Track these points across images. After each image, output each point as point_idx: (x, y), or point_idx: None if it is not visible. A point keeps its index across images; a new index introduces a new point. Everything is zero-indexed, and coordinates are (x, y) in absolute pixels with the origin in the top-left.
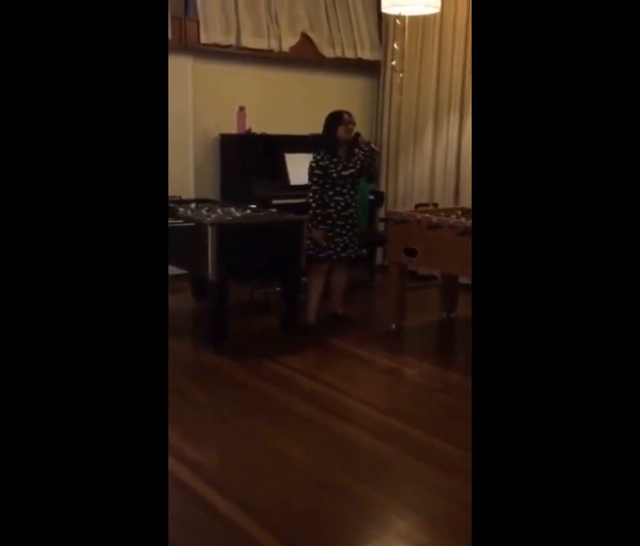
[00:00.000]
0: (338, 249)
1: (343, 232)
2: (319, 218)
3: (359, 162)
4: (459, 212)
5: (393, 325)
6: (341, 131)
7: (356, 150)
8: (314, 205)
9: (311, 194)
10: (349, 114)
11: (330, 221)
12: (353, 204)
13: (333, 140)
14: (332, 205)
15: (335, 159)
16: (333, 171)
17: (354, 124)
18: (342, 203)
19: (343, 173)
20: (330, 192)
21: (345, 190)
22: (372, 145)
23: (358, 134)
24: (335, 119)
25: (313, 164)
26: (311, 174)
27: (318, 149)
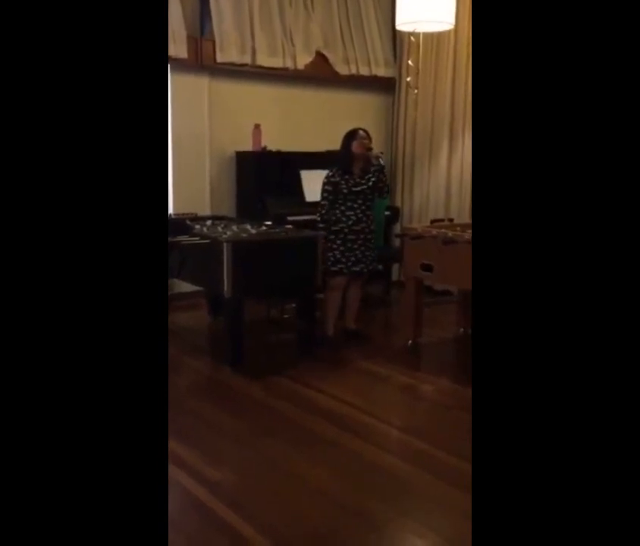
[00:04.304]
0: (349, 263)
1: (355, 247)
2: (324, 232)
3: (372, 179)
4: None
5: (410, 341)
6: (355, 146)
7: (372, 167)
8: (319, 219)
9: (319, 208)
10: (366, 131)
11: (342, 236)
12: (365, 219)
13: (348, 156)
14: (343, 219)
15: (347, 176)
16: (344, 186)
17: (369, 140)
18: (353, 218)
19: (354, 188)
20: (342, 208)
21: (356, 205)
22: (380, 159)
23: (369, 149)
24: (350, 135)
25: (325, 180)
26: (322, 190)
27: (332, 166)
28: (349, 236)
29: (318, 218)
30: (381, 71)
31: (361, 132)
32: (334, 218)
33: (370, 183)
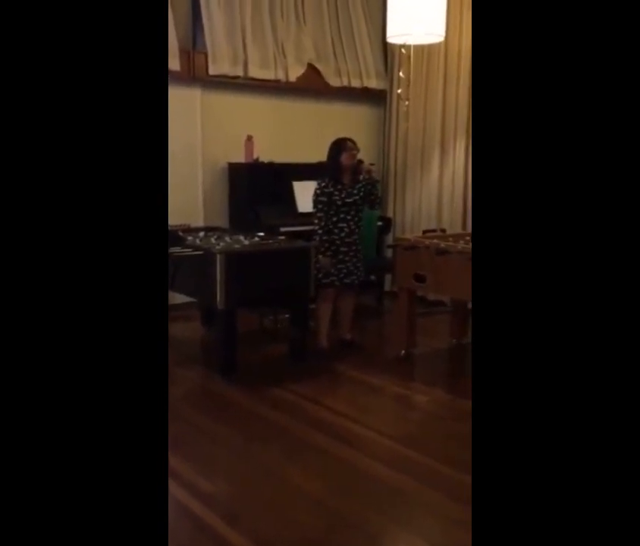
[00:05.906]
0: (341, 275)
1: (347, 258)
2: (326, 244)
3: (362, 189)
4: (468, 238)
5: (403, 352)
6: (345, 158)
7: (360, 177)
8: (320, 232)
9: (317, 221)
10: (353, 141)
11: (334, 248)
12: (357, 230)
13: (337, 167)
14: (336, 231)
15: (339, 186)
16: (337, 198)
17: (357, 151)
18: (346, 229)
19: (347, 200)
20: (335, 219)
21: (349, 217)
22: (373, 174)
23: (361, 162)
24: (338, 146)
25: (318, 191)
26: (316, 201)
27: (323, 177)
28: (342, 249)
29: (319, 230)
30: (373, 83)
31: (349, 142)
32: (326, 229)
33: (361, 193)
